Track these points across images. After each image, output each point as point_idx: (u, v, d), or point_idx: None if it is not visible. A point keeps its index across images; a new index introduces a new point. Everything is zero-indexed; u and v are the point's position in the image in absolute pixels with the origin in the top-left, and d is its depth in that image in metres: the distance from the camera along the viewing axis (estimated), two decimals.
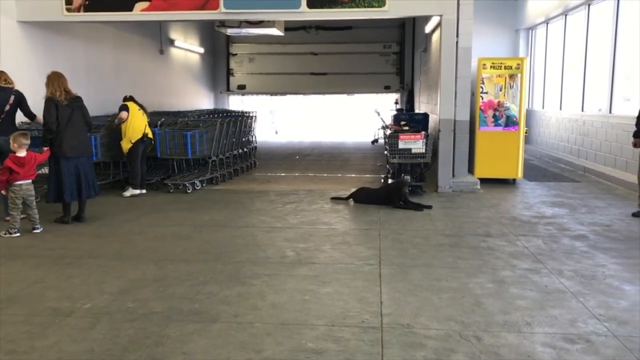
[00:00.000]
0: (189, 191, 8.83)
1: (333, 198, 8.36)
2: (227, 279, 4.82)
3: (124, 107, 8.80)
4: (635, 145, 7.34)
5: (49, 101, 6.69)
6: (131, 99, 9.03)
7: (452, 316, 4.01)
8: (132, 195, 8.55)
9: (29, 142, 6.50)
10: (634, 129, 7.30)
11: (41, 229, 6.51)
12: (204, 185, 9.31)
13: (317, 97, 22.87)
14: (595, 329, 3.79)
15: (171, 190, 8.90)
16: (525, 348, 3.52)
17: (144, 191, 8.79)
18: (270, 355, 3.44)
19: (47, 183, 7.10)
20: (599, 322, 3.90)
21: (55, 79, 6.75)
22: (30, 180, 6.48)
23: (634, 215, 7.11)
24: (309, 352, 3.47)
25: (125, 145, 8.71)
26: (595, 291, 4.51)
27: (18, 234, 6.32)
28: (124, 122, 8.71)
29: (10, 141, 6.42)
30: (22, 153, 6.39)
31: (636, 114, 7.32)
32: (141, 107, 8.98)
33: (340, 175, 10.89)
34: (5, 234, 6.28)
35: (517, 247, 5.77)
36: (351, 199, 8.14)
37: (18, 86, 9.36)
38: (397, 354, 3.45)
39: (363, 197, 8.05)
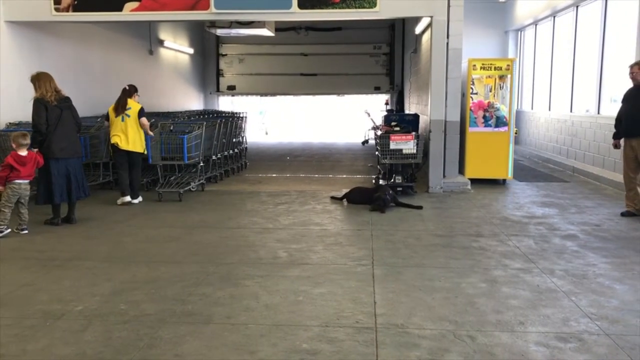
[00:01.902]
0: (180, 199, 8.24)
1: (332, 197, 8.40)
2: (220, 280, 4.80)
3: (107, 116, 8.27)
4: (615, 146, 7.43)
5: (38, 102, 6.61)
6: (124, 92, 8.20)
7: (445, 316, 4.02)
8: (123, 203, 8.00)
9: (28, 142, 6.47)
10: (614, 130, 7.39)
11: (27, 231, 6.46)
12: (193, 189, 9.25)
13: (308, 97, 22.86)
14: (587, 328, 3.82)
15: (161, 199, 8.30)
16: (518, 347, 3.54)
17: (135, 200, 8.14)
18: (264, 357, 3.42)
19: (35, 184, 7.03)
20: (591, 321, 3.93)
21: (45, 80, 6.68)
22: (28, 181, 6.47)
23: (623, 214, 7.18)
24: (303, 353, 3.46)
25: (140, 148, 8.22)
26: (586, 290, 4.54)
27: (9, 230, 6.30)
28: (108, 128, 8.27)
29: (12, 141, 6.44)
30: (22, 153, 6.39)
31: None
32: (122, 108, 8.06)
33: (331, 176, 10.89)
34: None
35: (508, 247, 5.80)
36: (345, 199, 8.15)
37: (4, 87, 9.31)
38: (391, 354, 3.45)
39: (356, 198, 8.05)
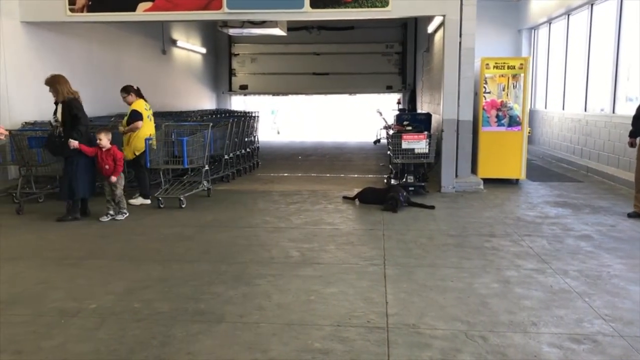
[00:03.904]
0: (183, 206, 7.72)
1: (344, 197, 8.40)
2: (232, 279, 4.82)
3: (139, 116, 7.82)
4: (631, 144, 7.33)
5: (75, 101, 6.81)
6: (138, 93, 8.08)
7: (457, 316, 4.00)
8: (142, 204, 7.89)
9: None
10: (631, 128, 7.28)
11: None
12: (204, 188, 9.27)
13: (319, 97, 22.88)
14: (601, 329, 3.79)
15: (162, 206, 7.72)
16: (531, 348, 3.52)
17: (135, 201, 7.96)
18: (276, 356, 3.44)
19: (50, 182, 7.12)
20: (605, 322, 3.89)
21: (65, 82, 6.87)
22: None
23: (630, 215, 7.05)
24: (315, 352, 3.47)
25: (129, 155, 7.82)
26: (600, 291, 4.50)
27: (127, 214, 7.14)
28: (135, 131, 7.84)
29: (101, 136, 6.89)
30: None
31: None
32: (146, 103, 8.12)
33: (343, 175, 10.88)
34: (122, 213, 7.07)
35: (521, 247, 5.76)
36: (357, 199, 8.14)
37: (20, 87, 9.43)
38: (403, 354, 3.44)
39: (368, 197, 8.05)
